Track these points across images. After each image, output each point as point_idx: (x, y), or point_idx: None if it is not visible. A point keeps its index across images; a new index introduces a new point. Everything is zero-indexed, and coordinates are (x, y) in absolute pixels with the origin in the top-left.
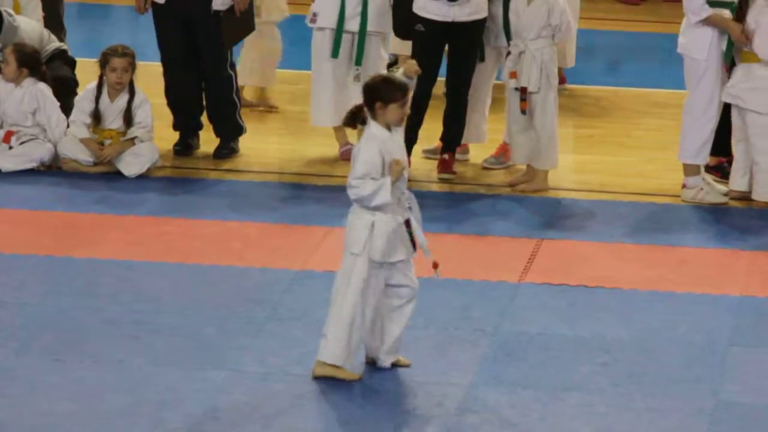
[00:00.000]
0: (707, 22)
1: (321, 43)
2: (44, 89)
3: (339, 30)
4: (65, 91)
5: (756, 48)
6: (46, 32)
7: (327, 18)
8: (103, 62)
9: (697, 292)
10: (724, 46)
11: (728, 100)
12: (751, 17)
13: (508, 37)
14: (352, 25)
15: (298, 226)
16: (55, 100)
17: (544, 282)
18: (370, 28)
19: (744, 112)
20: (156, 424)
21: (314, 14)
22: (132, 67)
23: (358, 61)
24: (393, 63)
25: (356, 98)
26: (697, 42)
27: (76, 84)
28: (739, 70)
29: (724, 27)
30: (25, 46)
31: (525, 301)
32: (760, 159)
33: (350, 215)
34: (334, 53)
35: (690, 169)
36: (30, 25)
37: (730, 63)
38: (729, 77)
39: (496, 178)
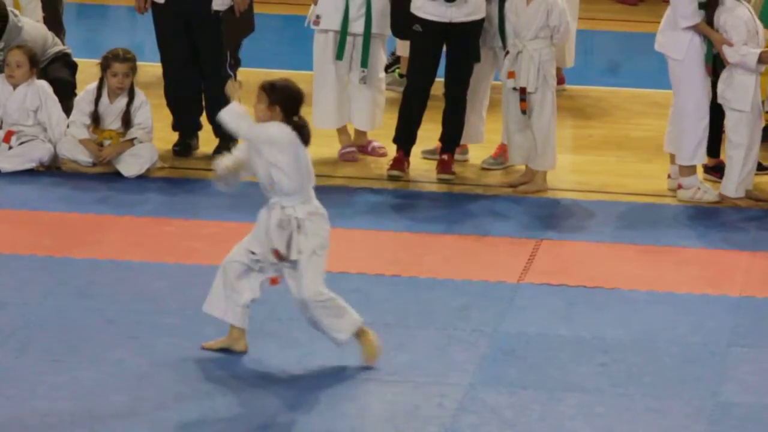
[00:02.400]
0: (696, 28)
1: (324, 45)
2: (45, 86)
3: (344, 32)
4: (62, 95)
5: (724, 51)
6: (50, 35)
7: (330, 20)
8: (105, 66)
9: (696, 293)
10: (704, 47)
11: (719, 101)
12: (719, 18)
13: (503, 39)
14: (356, 27)
15: None
16: (56, 98)
17: (544, 282)
18: (372, 29)
19: (726, 110)
20: (155, 425)
21: (317, 16)
22: (133, 71)
23: (364, 63)
24: (393, 63)
25: (357, 100)
26: (675, 42)
27: (74, 87)
28: (725, 71)
29: (709, 36)
30: (30, 47)
31: (524, 301)
32: (733, 153)
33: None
34: (339, 55)
35: (686, 170)
36: (35, 29)
37: (712, 63)
38: (711, 77)
39: (495, 178)
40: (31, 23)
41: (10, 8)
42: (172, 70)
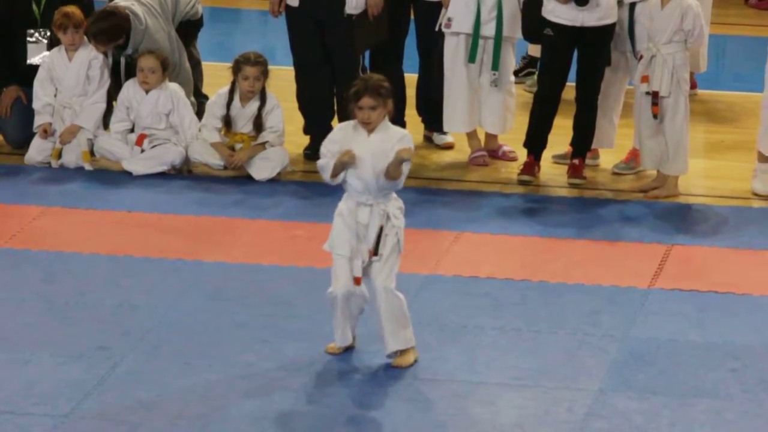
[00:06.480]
0: None
1: (455, 48)
2: (177, 90)
3: (476, 35)
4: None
5: None
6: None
7: (462, 23)
8: (236, 69)
9: None
10: None
11: None
12: None
13: (633, 43)
14: (487, 30)
15: (427, 231)
16: (188, 101)
17: (674, 288)
18: (503, 32)
19: None
20: (285, 429)
21: (449, 19)
22: (264, 75)
23: (495, 66)
24: (525, 66)
25: (488, 103)
26: None
27: (203, 97)
28: None
29: None
30: (162, 53)
31: (655, 306)
32: None
33: None
34: (472, 58)
35: (762, 157)
36: (157, 27)
37: None
38: None
39: (626, 183)
40: (152, 21)
41: (129, 10)
42: (305, 73)
